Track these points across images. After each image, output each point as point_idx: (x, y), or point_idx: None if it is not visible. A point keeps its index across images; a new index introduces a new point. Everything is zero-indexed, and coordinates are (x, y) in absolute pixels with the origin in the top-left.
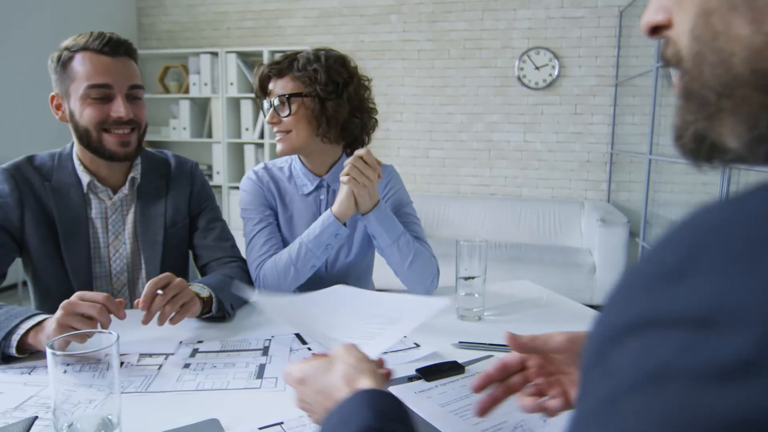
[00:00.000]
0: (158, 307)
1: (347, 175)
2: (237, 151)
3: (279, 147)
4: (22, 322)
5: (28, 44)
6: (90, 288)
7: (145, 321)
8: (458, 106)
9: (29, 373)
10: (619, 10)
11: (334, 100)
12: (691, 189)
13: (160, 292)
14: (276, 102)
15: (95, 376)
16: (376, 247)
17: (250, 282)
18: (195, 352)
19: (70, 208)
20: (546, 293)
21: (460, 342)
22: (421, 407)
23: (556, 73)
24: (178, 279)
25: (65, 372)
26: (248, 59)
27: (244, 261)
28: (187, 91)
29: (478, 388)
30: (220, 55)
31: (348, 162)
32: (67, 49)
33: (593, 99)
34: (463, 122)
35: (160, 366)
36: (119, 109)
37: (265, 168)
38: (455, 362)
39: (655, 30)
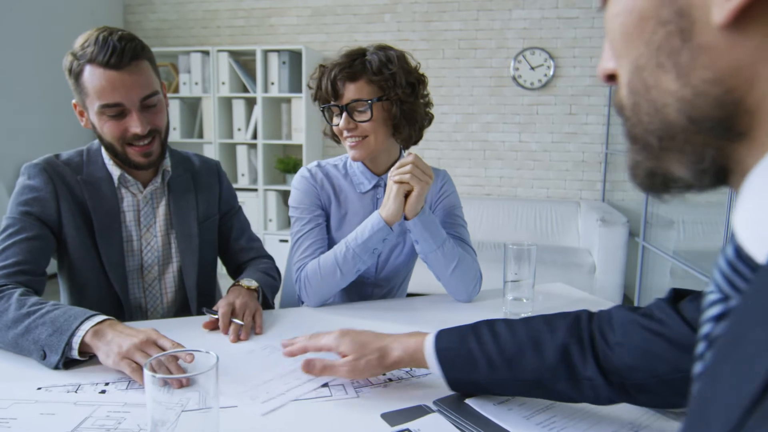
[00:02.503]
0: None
1: (408, 174)
2: (229, 152)
3: (355, 153)
4: (81, 323)
5: (11, 42)
6: (125, 282)
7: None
8: (453, 106)
9: (75, 392)
10: None
11: (412, 102)
12: None
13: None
14: (352, 108)
15: (193, 397)
16: (420, 252)
17: (279, 277)
18: None
19: (104, 201)
20: (583, 295)
21: None
22: (505, 420)
23: (551, 73)
24: (238, 302)
25: (163, 393)
26: (240, 58)
27: (272, 258)
28: (176, 90)
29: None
30: (212, 54)
31: (405, 162)
32: (75, 57)
33: (588, 99)
34: (457, 122)
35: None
36: (135, 126)
37: (319, 165)
38: None
39: (610, 77)
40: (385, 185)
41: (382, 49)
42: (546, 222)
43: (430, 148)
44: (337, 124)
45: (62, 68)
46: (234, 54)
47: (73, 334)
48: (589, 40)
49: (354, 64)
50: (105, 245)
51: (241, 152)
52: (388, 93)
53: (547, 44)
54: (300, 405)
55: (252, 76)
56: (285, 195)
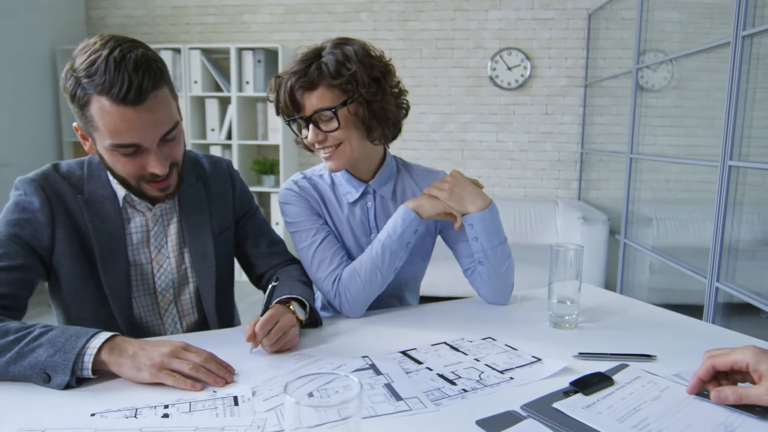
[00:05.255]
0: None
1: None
2: None
3: (331, 164)
4: (88, 340)
5: None
6: (131, 311)
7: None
8: (430, 106)
9: (134, 416)
10: (587, 13)
11: (380, 99)
12: (656, 186)
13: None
14: (317, 118)
15: (335, 425)
16: (478, 250)
17: (311, 282)
18: None
19: (106, 223)
20: (614, 296)
21: (580, 353)
22: (600, 423)
23: (527, 73)
24: (282, 320)
25: (305, 421)
26: (212, 56)
27: (298, 261)
28: None
29: (694, 391)
30: (183, 52)
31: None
32: (79, 84)
33: (563, 99)
34: (435, 122)
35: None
36: (154, 166)
37: (305, 177)
38: (601, 373)
39: None
40: (374, 192)
41: (339, 45)
42: (524, 221)
43: (408, 148)
44: (306, 137)
45: (61, 89)
46: (207, 52)
47: (81, 353)
48: (564, 41)
49: (309, 71)
50: (108, 273)
51: (215, 153)
52: (351, 95)
53: (523, 45)
54: (381, 421)
55: (226, 74)
56: (261, 197)
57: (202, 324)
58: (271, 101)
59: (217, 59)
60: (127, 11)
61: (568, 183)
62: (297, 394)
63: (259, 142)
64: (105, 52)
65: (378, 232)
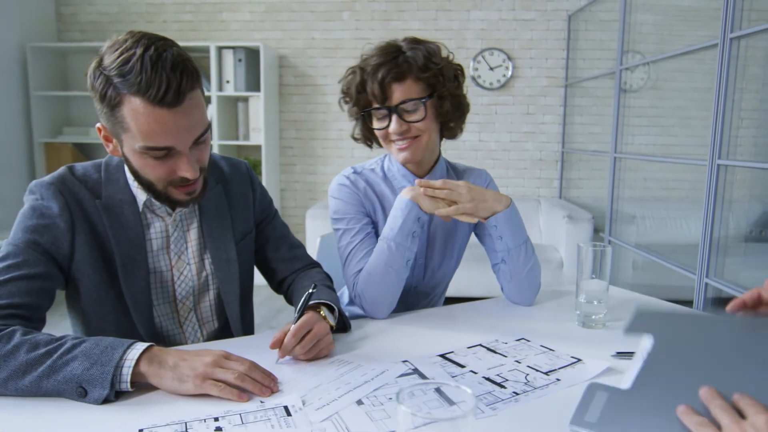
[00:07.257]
0: (294, 354)
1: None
2: None
3: (407, 155)
4: (125, 351)
5: None
6: (152, 320)
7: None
8: None
9: (185, 430)
10: (567, 15)
11: (460, 95)
12: (633, 185)
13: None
14: (402, 109)
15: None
16: (501, 250)
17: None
18: None
19: (126, 229)
20: (631, 295)
21: (618, 353)
22: None
23: (509, 74)
24: (316, 328)
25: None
26: (191, 55)
27: (319, 265)
28: None
29: (734, 310)
30: None
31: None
32: (110, 82)
33: (544, 99)
34: None
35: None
36: (185, 170)
37: (356, 172)
38: None
39: None
40: None
41: (419, 42)
42: None
43: None
44: (383, 128)
45: (87, 85)
46: (186, 50)
47: (119, 365)
48: (545, 41)
49: (398, 62)
50: (128, 281)
51: None
52: (438, 89)
53: (505, 45)
54: (433, 429)
55: (205, 73)
56: None
57: (222, 332)
58: (345, 92)
59: (195, 58)
60: (99, 8)
61: (549, 182)
62: (408, 404)
63: (241, 142)
64: (139, 51)
65: (431, 224)
